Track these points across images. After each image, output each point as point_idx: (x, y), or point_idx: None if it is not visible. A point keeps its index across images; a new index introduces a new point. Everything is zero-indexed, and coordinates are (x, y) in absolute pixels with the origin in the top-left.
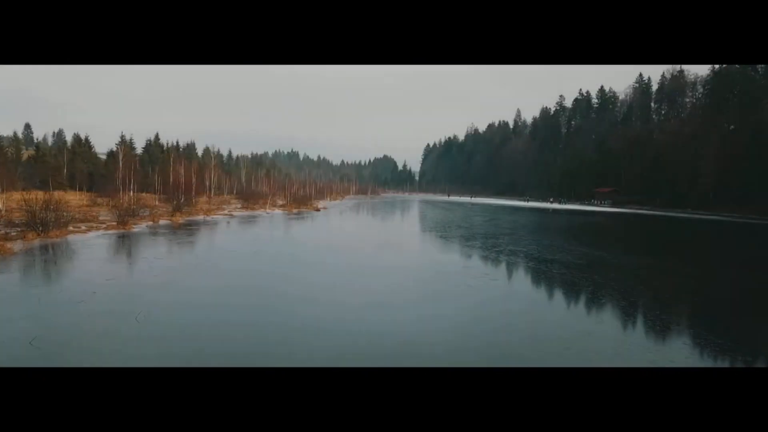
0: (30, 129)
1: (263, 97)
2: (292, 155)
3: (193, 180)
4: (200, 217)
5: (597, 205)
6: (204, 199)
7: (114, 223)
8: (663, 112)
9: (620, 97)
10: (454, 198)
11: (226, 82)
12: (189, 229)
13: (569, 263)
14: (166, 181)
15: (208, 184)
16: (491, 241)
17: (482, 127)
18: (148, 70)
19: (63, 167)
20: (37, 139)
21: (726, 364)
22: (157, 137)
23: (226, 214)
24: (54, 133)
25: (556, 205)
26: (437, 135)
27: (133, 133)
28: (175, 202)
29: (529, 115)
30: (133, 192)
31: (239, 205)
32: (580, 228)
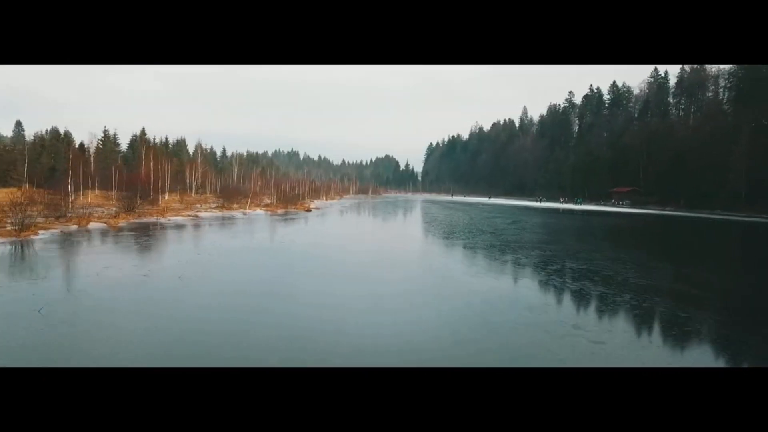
0: (21, 126)
1: (264, 97)
2: (292, 155)
3: (162, 175)
4: (155, 219)
5: (615, 206)
6: (176, 197)
7: (14, 228)
8: (682, 107)
9: (635, 92)
10: (459, 198)
11: (227, 82)
12: (120, 235)
13: (679, 294)
14: (132, 177)
15: (188, 181)
16: (536, 253)
17: (486, 127)
18: (150, 70)
19: (23, 162)
20: (30, 137)
21: (726, 364)
22: (143, 132)
23: (191, 216)
24: (46, 131)
25: (571, 206)
26: (439, 135)
27: (117, 128)
28: (125, 201)
29: (534, 113)
30: (75, 188)
31: (216, 205)
32: (627, 234)
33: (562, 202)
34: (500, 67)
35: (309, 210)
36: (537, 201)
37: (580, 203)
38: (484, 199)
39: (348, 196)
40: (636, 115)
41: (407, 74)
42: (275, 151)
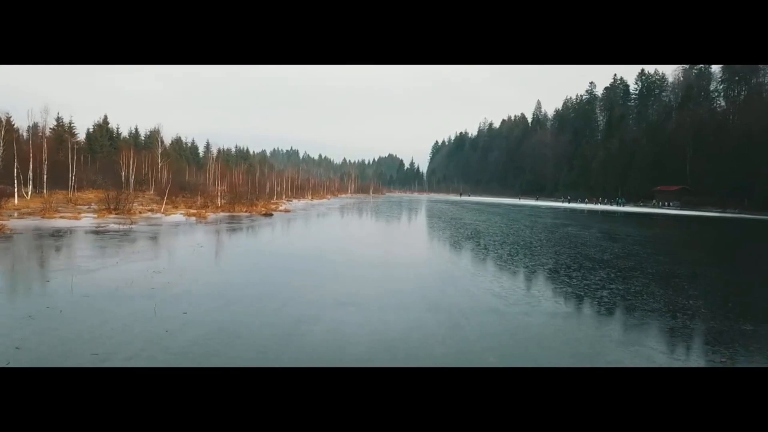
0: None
1: (267, 98)
2: (291, 153)
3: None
4: None
5: (661, 207)
6: (63, 194)
7: None
8: (732, 94)
9: (669, 80)
10: (472, 198)
11: (227, 82)
12: None
13: None
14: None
15: (125, 174)
16: None
17: (496, 124)
18: (151, 71)
19: None
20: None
21: (726, 364)
22: (105, 120)
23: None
24: (29, 126)
25: (611, 207)
26: (442, 135)
27: (73, 116)
28: None
29: (538, 111)
30: None
31: (105, 207)
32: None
33: (603, 203)
34: (501, 67)
35: (270, 215)
36: (565, 201)
37: (622, 204)
38: (506, 200)
39: (345, 195)
40: (676, 104)
41: (407, 74)
42: (274, 149)
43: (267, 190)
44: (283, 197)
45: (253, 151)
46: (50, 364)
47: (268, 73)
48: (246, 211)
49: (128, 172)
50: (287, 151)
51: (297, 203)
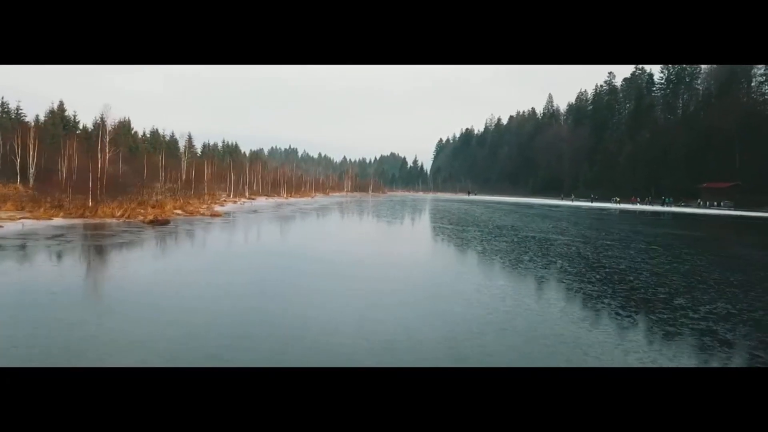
0: None
1: (267, 98)
2: (290, 152)
3: None
4: None
5: (710, 207)
6: None
7: None
8: None
9: (703, 67)
10: (482, 198)
11: (228, 83)
12: None
13: None
14: None
15: (21, 163)
16: None
17: (503, 120)
18: (151, 71)
19: None
20: None
21: (726, 364)
22: (61, 106)
23: None
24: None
25: (651, 207)
26: (445, 135)
27: (21, 101)
28: None
29: (540, 109)
30: None
31: None
32: None
33: (645, 203)
34: (501, 67)
35: (165, 222)
36: (590, 201)
37: (669, 204)
38: (534, 200)
39: (338, 193)
40: (715, 93)
41: (407, 74)
42: (272, 148)
43: (229, 184)
44: (246, 194)
45: (251, 149)
46: (50, 364)
47: (268, 73)
48: (123, 217)
49: (29, 160)
50: (285, 149)
51: (258, 203)
